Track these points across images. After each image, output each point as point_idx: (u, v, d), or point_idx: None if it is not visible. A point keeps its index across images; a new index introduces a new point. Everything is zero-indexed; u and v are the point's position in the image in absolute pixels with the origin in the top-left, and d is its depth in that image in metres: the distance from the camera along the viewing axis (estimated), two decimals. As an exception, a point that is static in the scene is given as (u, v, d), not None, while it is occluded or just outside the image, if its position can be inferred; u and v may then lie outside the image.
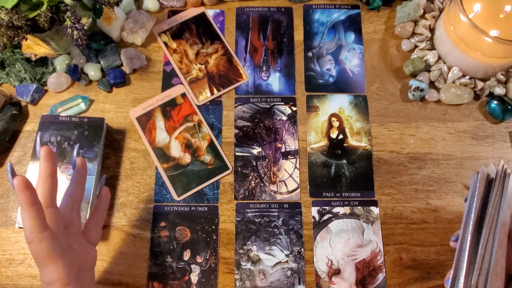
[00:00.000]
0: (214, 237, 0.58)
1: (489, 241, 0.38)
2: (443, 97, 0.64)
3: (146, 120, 0.64)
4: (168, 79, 0.67)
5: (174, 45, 0.69)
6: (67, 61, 0.66)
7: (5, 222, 0.59)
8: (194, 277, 0.56)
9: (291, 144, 0.63)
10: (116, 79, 0.65)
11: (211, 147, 0.63)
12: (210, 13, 0.71)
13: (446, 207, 0.60)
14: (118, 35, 0.68)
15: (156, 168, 0.61)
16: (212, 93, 0.66)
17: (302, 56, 0.68)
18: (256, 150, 0.63)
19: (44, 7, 0.56)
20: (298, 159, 0.62)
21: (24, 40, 0.57)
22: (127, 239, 0.58)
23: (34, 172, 0.57)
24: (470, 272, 0.38)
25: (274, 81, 0.67)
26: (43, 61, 0.66)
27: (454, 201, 0.60)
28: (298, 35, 0.70)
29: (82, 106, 0.64)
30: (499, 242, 0.38)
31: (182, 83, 0.66)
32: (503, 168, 0.41)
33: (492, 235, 0.38)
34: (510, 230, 0.40)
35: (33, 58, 0.66)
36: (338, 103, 0.65)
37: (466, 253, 0.38)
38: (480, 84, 0.63)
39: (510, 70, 0.64)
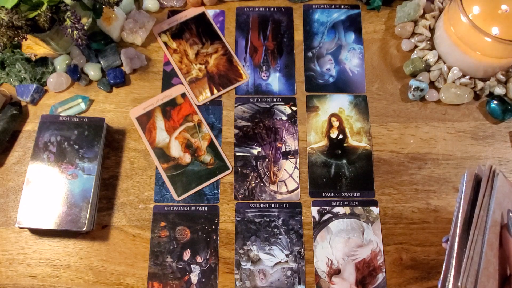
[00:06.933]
0: (214, 237, 0.58)
1: (477, 242, 0.38)
2: (443, 97, 0.64)
3: (146, 120, 0.64)
4: (168, 79, 0.67)
5: (174, 45, 0.69)
6: (67, 61, 0.66)
7: (5, 222, 0.59)
8: (194, 277, 0.56)
9: (291, 144, 0.63)
10: (116, 79, 0.65)
11: (211, 147, 0.63)
12: (210, 13, 0.71)
13: (446, 207, 0.60)
14: (118, 35, 0.68)
15: (156, 168, 0.61)
16: (212, 93, 0.66)
17: (302, 56, 0.68)
18: (256, 150, 0.63)
19: (44, 7, 0.56)
20: (298, 159, 0.62)
21: (24, 40, 0.57)
22: (127, 239, 0.58)
23: (34, 172, 0.57)
24: (459, 274, 0.37)
25: (274, 81, 0.67)
26: (43, 61, 0.66)
27: (454, 201, 0.60)
28: (298, 35, 0.70)
29: (82, 106, 0.64)
30: (489, 243, 0.37)
31: (182, 83, 0.66)
32: (491, 169, 0.40)
33: (481, 236, 0.38)
34: (502, 230, 0.39)
35: (33, 58, 0.66)
36: (338, 103, 0.65)
37: (455, 254, 0.38)
38: (480, 84, 0.63)
39: (510, 70, 0.64)
